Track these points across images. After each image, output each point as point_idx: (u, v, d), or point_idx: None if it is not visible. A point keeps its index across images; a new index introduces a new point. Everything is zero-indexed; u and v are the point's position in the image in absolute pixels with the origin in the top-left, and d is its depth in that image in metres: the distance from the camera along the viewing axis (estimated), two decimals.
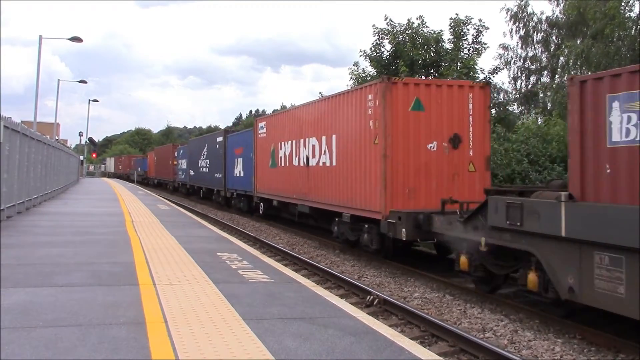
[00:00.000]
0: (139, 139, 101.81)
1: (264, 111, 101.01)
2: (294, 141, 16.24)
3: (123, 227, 12.47)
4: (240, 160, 23.48)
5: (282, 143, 17.34)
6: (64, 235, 10.85)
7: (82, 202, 21.41)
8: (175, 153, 40.45)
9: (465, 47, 24.93)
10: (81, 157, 54.89)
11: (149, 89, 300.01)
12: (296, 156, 15.96)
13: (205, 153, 30.27)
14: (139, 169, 59.55)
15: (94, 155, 79.49)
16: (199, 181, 32.18)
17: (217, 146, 27.37)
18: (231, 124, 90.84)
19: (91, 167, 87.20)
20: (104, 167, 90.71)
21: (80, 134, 67.61)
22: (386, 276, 11.08)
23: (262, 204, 20.40)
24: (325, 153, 13.81)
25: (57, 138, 42.69)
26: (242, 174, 23.17)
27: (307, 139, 15.12)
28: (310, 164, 14.80)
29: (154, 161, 51.10)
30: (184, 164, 37.17)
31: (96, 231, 11.65)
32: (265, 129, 19.54)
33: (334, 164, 13.33)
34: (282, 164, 17.28)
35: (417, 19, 25.54)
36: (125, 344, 4.29)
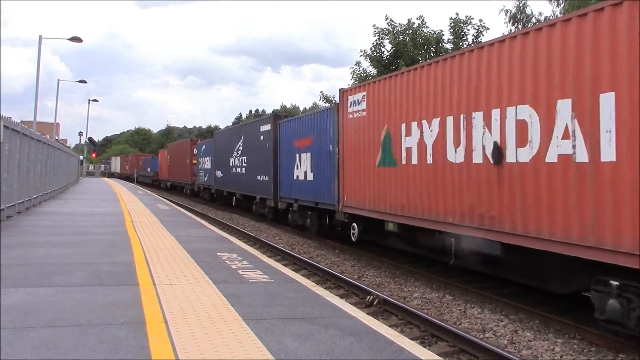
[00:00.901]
0: (139, 139, 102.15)
1: (263, 111, 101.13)
2: (448, 118, 9.20)
3: (123, 227, 12.47)
4: (307, 156, 15.85)
5: (413, 124, 10.12)
6: (64, 235, 10.85)
7: (82, 202, 21.41)
8: (195, 150, 33.86)
9: (466, 47, 24.98)
10: (81, 157, 54.89)
11: (149, 89, 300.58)
12: (457, 145, 8.97)
13: (241, 148, 23.11)
14: (148, 169, 53.38)
15: (93, 155, 79.33)
16: (230, 185, 25.08)
17: (262, 138, 20.14)
18: (231, 124, 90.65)
19: (91, 167, 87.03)
20: (104, 167, 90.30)
21: (80, 134, 67.85)
22: (386, 276, 11.08)
23: (355, 225, 12.92)
24: (572, 135, 6.81)
25: (57, 138, 42.74)
26: (310, 177, 15.56)
27: (496, 111, 8.10)
28: (507, 159, 7.89)
29: (166, 160, 43.58)
30: (207, 163, 30.14)
31: (96, 231, 11.65)
32: (365, 104, 12.07)
33: (607, 157, 6.34)
34: (412, 160, 10.15)
35: (417, 19, 25.64)
36: (125, 344, 4.29)
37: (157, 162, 50.11)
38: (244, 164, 22.77)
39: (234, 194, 24.75)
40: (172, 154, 41.45)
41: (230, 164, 24.60)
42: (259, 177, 20.43)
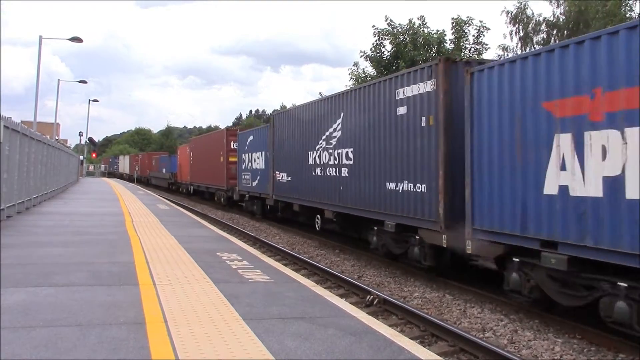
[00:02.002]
0: (139, 139, 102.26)
1: (264, 111, 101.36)
2: None
3: (123, 227, 12.47)
4: (619, 137, 6.18)
5: None
6: (64, 235, 10.85)
7: (82, 202, 21.40)
8: (234, 144, 24.95)
9: (467, 47, 24.99)
10: (81, 157, 54.90)
11: (149, 89, 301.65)
12: None
13: (338, 135, 13.65)
14: (164, 170, 45.38)
15: (94, 155, 79.30)
16: (308, 195, 15.53)
17: (403, 110, 10.58)
18: (231, 124, 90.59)
19: (91, 167, 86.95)
20: (104, 168, 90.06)
21: (80, 134, 67.74)
22: (386, 276, 11.08)
23: None
24: None
25: (57, 138, 42.73)
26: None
27: None
28: None
29: (188, 159, 34.44)
30: (257, 160, 21.16)
31: (96, 231, 11.64)
32: None
33: None
34: None
35: (417, 19, 25.63)
36: (125, 344, 4.29)
37: (176, 161, 40.62)
38: (345, 161, 13.26)
39: (319, 211, 15.12)
40: (198, 150, 32.03)
41: (310, 162, 15.39)
42: (390, 185, 11.09)
